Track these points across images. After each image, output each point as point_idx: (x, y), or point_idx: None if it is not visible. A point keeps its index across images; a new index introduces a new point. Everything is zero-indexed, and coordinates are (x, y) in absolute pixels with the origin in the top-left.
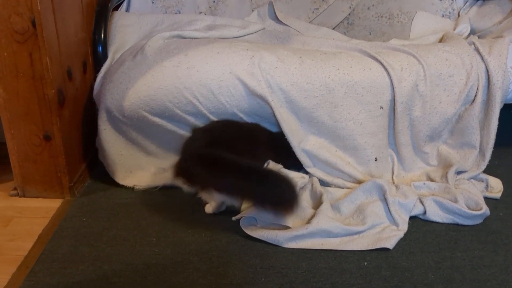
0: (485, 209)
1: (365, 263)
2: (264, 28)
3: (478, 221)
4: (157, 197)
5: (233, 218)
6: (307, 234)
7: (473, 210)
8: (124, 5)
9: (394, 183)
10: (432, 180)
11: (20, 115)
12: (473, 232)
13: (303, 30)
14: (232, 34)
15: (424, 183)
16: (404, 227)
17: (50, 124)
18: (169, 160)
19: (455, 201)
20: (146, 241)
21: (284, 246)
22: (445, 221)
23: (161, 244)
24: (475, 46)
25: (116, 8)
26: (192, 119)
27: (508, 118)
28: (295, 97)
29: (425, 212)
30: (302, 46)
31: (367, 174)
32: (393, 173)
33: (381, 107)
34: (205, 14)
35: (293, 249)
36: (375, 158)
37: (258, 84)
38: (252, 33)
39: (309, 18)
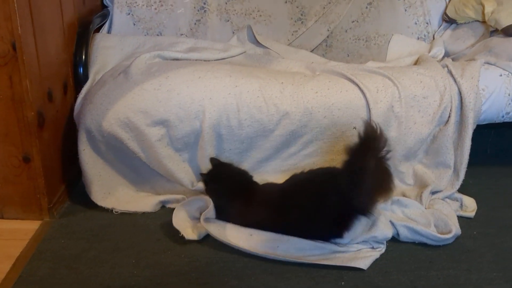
0: (454, 232)
1: (342, 282)
2: (245, 51)
3: (449, 242)
4: (136, 218)
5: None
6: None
7: (442, 233)
8: (106, 27)
9: None
10: None
11: None
12: (448, 251)
13: (283, 52)
14: (213, 56)
15: (398, 199)
16: (380, 247)
17: (29, 146)
18: (144, 184)
19: (429, 225)
20: (125, 262)
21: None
22: (416, 240)
23: (140, 265)
24: (448, 69)
25: (98, 29)
26: (162, 146)
27: (481, 139)
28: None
29: (398, 234)
30: (284, 69)
31: None
32: None
33: (354, 128)
34: (186, 36)
35: (272, 270)
36: None
37: (237, 114)
38: (233, 56)
39: (288, 40)
